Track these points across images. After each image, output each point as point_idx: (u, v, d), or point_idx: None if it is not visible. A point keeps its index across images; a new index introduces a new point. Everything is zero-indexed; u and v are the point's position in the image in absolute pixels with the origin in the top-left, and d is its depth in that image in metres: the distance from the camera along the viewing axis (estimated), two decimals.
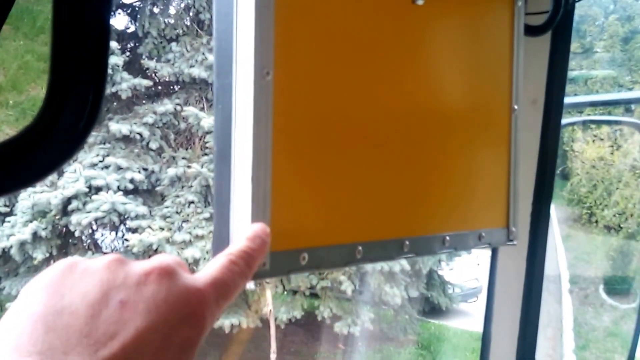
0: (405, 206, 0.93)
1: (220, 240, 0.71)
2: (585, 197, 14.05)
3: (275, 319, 9.59)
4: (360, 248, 0.85)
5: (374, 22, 0.87)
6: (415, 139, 0.94)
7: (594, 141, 14.01)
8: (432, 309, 11.30)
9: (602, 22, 17.13)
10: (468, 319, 11.63)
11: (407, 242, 0.92)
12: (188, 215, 9.49)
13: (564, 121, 1.52)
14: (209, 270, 0.57)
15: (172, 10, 10.52)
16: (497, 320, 1.57)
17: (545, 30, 1.29)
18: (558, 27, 1.30)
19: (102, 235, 9.89)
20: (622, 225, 12.91)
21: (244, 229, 0.69)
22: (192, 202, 9.47)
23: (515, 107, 1.13)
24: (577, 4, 1.39)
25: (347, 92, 0.84)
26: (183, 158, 9.84)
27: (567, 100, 1.51)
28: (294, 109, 0.76)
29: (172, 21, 10.27)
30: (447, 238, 0.99)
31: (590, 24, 16.60)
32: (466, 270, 11.60)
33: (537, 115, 1.45)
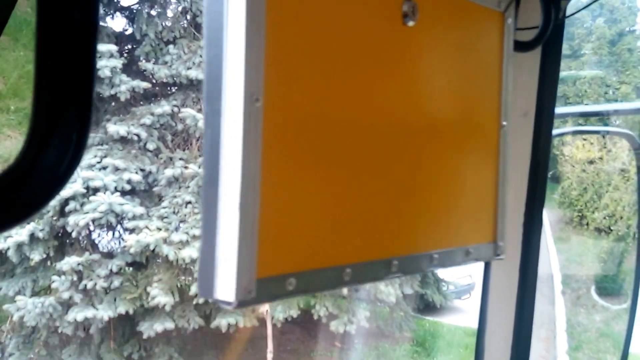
0: (393, 226, 0.93)
1: (207, 267, 0.70)
2: (576, 200, 14.23)
3: (272, 318, 9.63)
4: (348, 270, 0.84)
5: (366, 45, 0.87)
6: (403, 159, 0.94)
7: (583, 145, 14.17)
8: (426, 306, 11.44)
9: (590, 24, 17.41)
10: (462, 316, 11.77)
11: (395, 262, 0.92)
12: (185, 215, 9.55)
13: (554, 132, 1.55)
14: None
15: (169, 13, 10.63)
16: (490, 330, 1.58)
17: (535, 46, 1.31)
18: (548, 41, 1.31)
19: (99, 235, 9.91)
20: (612, 228, 13.08)
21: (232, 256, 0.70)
22: (189, 202, 9.54)
23: (504, 123, 1.13)
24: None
25: (337, 117, 0.83)
26: (180, 159, 9.93)
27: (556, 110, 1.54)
28: (282, 136, 0.76)
29: (169, 24, 10.38)
30: (435, 256, 0.99)
31: (578, 26, 16.87)
32: (460, 267, 11.67)
33: (529, 127, 1.46)
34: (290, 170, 0.77)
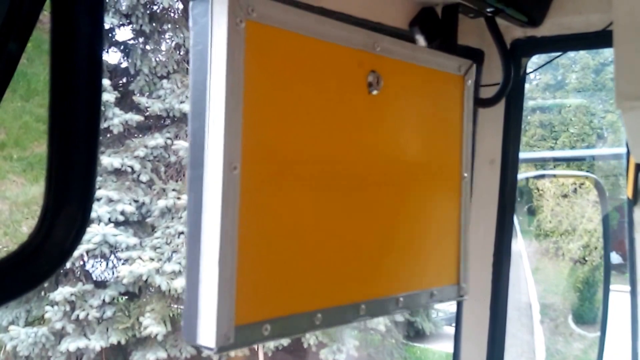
0: (360, 272, 0.99)
1: (190, 316, 0.78)
2: (551, 232, 14.52)
3: (263, 347, 9.70)
4: (319, 315, 0.91)
5: (335, 112, 0.95)
6: (369, 210, 1.02)
7: (557, 180, 14.49)
8: (416, 334, 11.55)
9: (574, 55, 17.81)
10: (451, 342, 11.73)
11: (363, 306, 0.98)
12: (178, 245, 9.69)
13: (520, 176, 1.64)
14: None
15: (163, 49, 10.91)
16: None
17: (496, 102, 1.39)
18: (511, 95, 1.40)
19: (92, 266, 9.96)
20: (586, 258, 13.35)
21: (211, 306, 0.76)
22: (182, 232, 9.66)
23: (465, 174, 1.22)
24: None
25: (308, 178, 0.91)
26: (173, 190, 10.09)
27: (522, 156, 1.62)
28: (258, 199, 0.83)
29: (163, 59, 10.65)
30: (401, 299, 1.05)
31: (562, 57, 17.25)
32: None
33: (495, 173, 1.55)
34: (264, 228, 0.84)
